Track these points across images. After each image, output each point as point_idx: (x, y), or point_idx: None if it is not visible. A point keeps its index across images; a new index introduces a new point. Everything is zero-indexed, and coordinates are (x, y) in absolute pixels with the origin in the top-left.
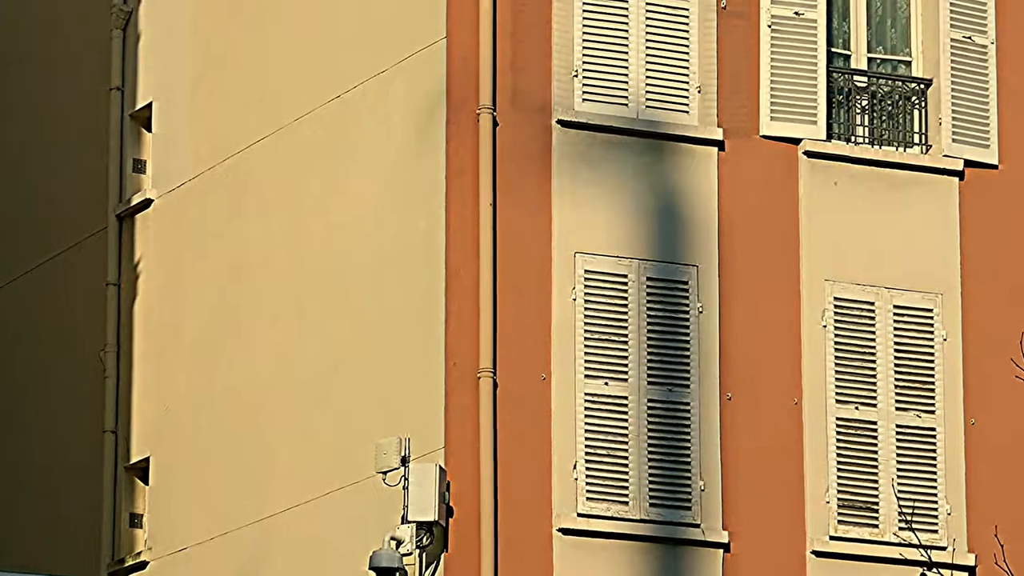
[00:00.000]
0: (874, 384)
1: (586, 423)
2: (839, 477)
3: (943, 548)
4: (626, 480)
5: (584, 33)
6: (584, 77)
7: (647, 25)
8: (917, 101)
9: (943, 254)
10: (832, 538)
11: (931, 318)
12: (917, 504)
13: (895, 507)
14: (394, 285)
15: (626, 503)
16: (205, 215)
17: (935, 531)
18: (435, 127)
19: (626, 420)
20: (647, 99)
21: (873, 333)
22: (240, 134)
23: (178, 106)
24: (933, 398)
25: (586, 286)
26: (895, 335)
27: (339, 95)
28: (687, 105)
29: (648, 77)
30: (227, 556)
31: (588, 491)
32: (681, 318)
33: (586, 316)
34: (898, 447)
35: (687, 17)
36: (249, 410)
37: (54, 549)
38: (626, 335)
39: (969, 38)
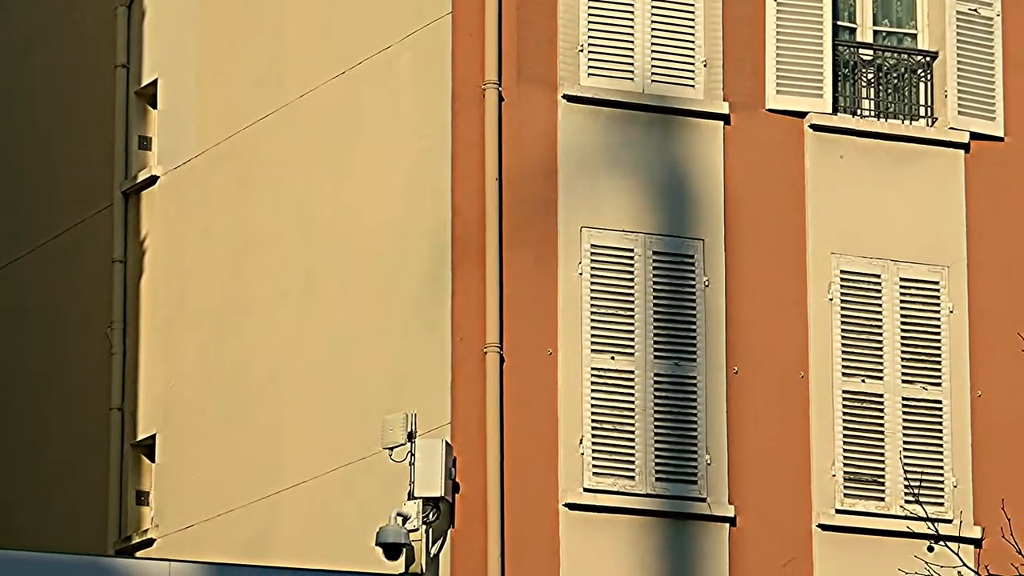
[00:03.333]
0: (880, 357)
1: (592, 398)
2: (845, 450)
3: (949, 521)
4: (632, 455)
5: (589, 8)
6: (590, 52)
7: None
8: (923, 74)
9: (949, 227)
10: (838, 511)
11: (937, 290)
12: (924, 477)
13: (901, 480)
14: (401, 260)
15: (632, 478)
16: (211, 192)
17: (941, 504)
18: (441, 103)
19: (632, 394)
20: (653, 73)
21: (879, 306)
22: (246, 111)
23: (183, 83)
24: (939, 370)
25: (592, 260)
26: (901, 308)
27: (344, 71)
28: (693, 79)
29: (654, 51)
30: (234, 533)
31: (595, 466)
32: (687, 292)
33: (592, 290)
34: (904, 420)
35: None
36: (256, 387)
37: (60, 527)
38: (632, 309)
39: (975, 10)
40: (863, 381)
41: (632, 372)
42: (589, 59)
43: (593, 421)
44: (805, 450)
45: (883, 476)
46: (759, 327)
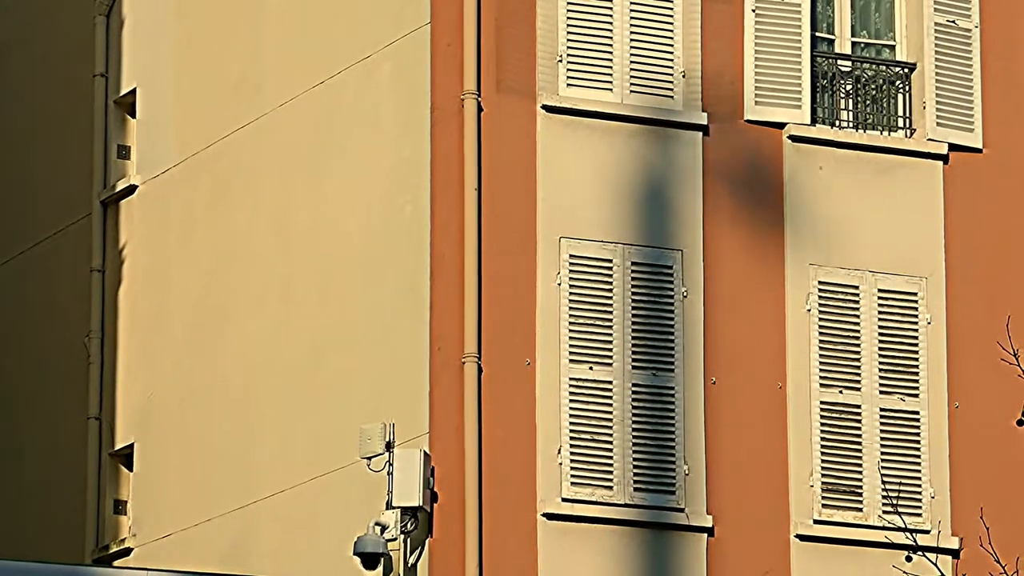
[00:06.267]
0: (858, 368)
1: (570, 408)
2: (823, 461)
3: (927, 531)
4: (610, 465)
5: (568, 18)
6: (568, 62)
7: (631, 10)
8: (901, 85)
9: (927, 238)
10: (816, 522)
11: (915, 302)
12: (901, 487)
13: (879, 490)
14: (379, 270)
15: (610, 488)
16: (190, 201)
17: (919, 514)
18: (420, 113)
19: (610, 405)
20: (631, 84)
21: (857, 317)
22: (225, 120)
23: (162, 92)
24: (917, 381)
25: (571, 271)
26: (879, 319)
27: (324, 81)
28: (672, 90)
29: (632, 62)
30: (212, 542)
31: (572, 476)
32: (666, 302)
33: (571, 301)
34: (882, 431)
35: (671, 1)
36: (234, 396)
37: (38, 536)
38: (611, 320)
39: (953, 22)
40: (841, 392)
41: (610, 382)
42: (568, 70)
43: (571, 431)
44: (783, 461)
45: (861, 487)
46: (737, 338)
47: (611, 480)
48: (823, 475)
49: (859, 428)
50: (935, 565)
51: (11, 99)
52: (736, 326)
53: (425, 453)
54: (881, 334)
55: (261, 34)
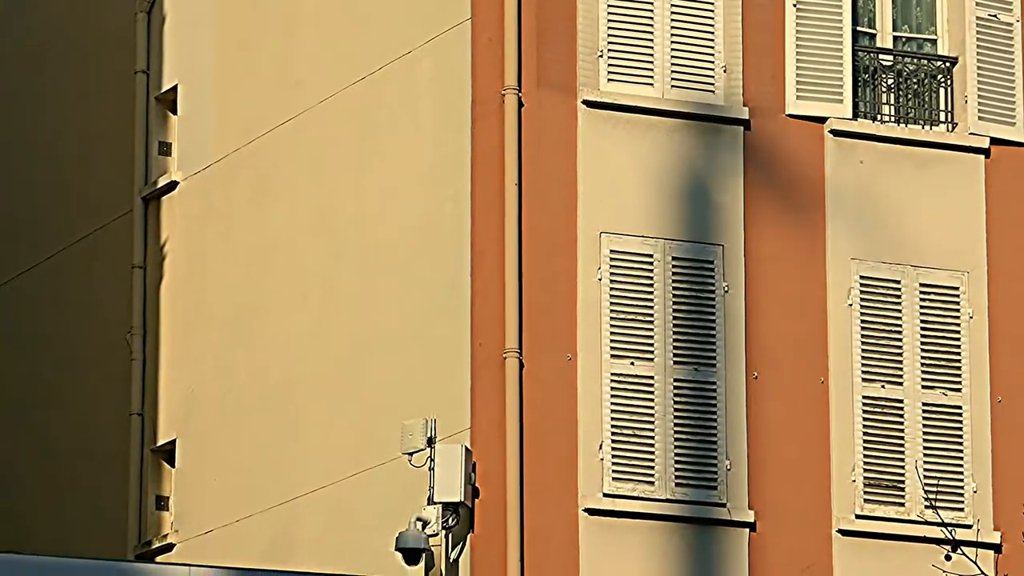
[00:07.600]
0: (900, 362)
1: (612, 403)
2: (865, 456)
3: (969, 526)
4: (652, 460)
5: (609, 13)
6: (609, 57)
7: (672, 4)
8: (943, 79)
9: (969, 232)
10: (858, 517)
11: (957, 296)
12: (943, 482)
13: (921, 485)
14: (420, 266)
15: (652, 483)
16: (231, 197)
17: (961, 509)
18: (460, 108)
19: (652, 400)
20: (672, 78)
21: (899, 311)
22: (265, 116)
23: (203, 88)
24: (959, 376)
25: (612, 266)
26: (921, 313)
27: (364, 77)
28: (713, 84)
29: (673, 56)
30: (253, 538)
31: (614, 471)
32: (707, 297)
33: (612, 296)
34: (924, 425)
35: None
36: (275, 392)
37: (81, 532)
38: (652, 315)
39: (994, 16)
40: (883, 386)
41: (651, 377)
42: (609, 64)
43: (613, 426)
44: (825, 455)
45: (903, 481)
46: (779, 333)
47: (653, 475)
48: (865, 470)
49: (901, 423)
50: (975, 563)
51: (53, 96)
52: (778, 321)
53: (467, 449)
54: (923, 329)
55: (301, 30)
